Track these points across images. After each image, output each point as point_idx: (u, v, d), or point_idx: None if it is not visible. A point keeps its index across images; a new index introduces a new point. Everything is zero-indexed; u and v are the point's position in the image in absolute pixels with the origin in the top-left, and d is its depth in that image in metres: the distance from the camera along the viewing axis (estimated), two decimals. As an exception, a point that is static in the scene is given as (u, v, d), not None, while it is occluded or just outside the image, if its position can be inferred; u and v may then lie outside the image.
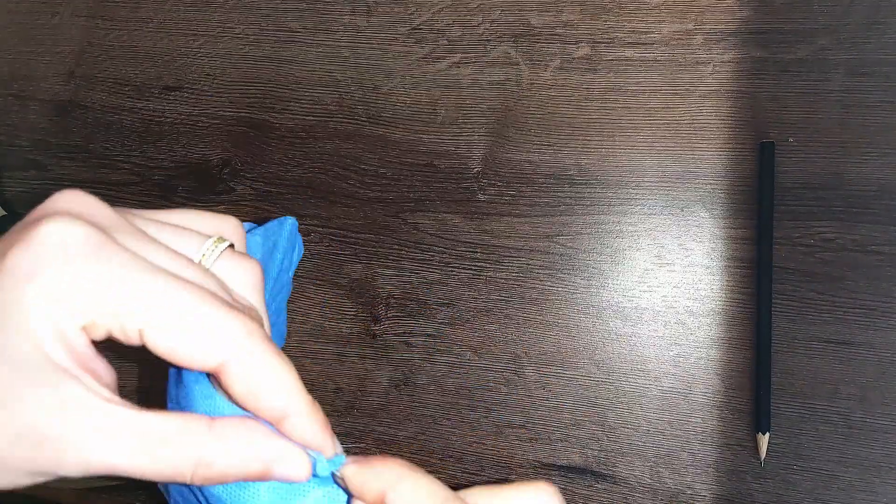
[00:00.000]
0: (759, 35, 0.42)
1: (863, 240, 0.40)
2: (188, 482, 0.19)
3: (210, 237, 0.23)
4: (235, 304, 0.21)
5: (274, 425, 0.21)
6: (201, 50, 0.49)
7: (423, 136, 0.45)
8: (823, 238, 0.40)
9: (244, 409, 0.20)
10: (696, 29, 0.42)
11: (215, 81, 0.48)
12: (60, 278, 0.18)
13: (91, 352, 0.19)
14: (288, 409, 0.20)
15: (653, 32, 0.43)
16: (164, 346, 0.19)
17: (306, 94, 0.47)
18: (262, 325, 0.21)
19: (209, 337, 0.19)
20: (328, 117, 0.46)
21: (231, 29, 0.49)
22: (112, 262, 0.19)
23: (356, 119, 0.46)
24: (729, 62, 0.42)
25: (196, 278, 0.21)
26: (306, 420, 0.21)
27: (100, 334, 0.19)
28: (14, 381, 0.18)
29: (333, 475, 0.21)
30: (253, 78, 0.48)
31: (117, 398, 0.19)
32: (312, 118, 0.47)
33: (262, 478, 0.20)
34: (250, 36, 0.48)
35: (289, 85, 0.47)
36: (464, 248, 0.44)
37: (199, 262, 0.23)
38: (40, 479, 0.19)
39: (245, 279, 0.23)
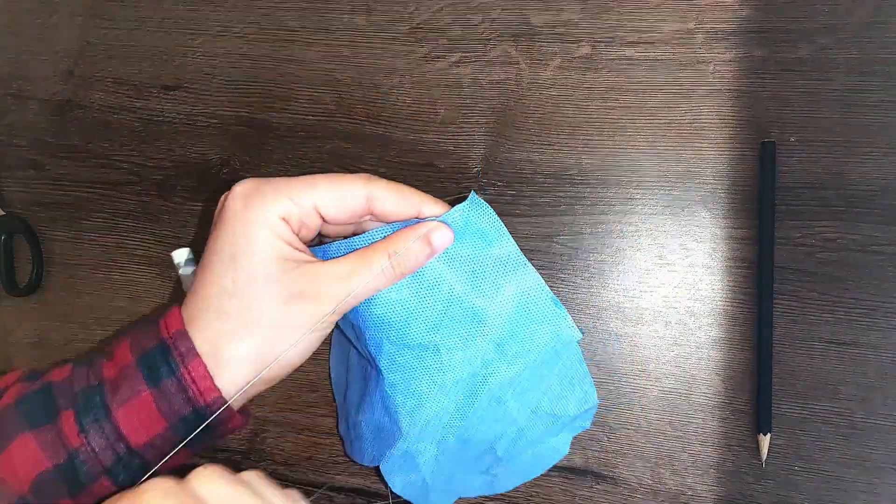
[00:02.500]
0: (761, 34, 0.42)
1: (864, 240, 0.40)
2: (391, 276, 0.32)
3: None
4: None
5: (417, 216, 0.33)
6: (200, 49, 0.49)
7: (423, 135, 0.45)
8: (825, 238, 0.40)
9: (396, 219, 0.34)
10: (697, 28, 0.42)
11: (214, 81, 0.48)
12: (258, 199, 0.31)
13: (295, 238, 0.32)
14: (421, 200, 0.33)
15: (654, 31, 0.43)
16: (334, 207, 0.32)
17: (306, 93, 0.47)
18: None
19: (355, 185, 0.32)
20: (328, 117, 0.46)
21: (230, 28, 0.48)
22: (279, 181, 0.32)
23: (356, 119, 0.46)
24: (730, 61, 0.42)
25: None
26: (433, 201, 0.34)
27: (295, 223, 0.32)
28: (273, 269, 0.31)
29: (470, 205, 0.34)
30: (252, 77, 0.48)
31: (324, 261, 0.32)
32: (312, 118, 0.46)
33: (430, 251, 0.33)
34: (250, 35, 0.48)
35: (288, 84, 0.47)
36: (464, 248, 0.44)
37: None
38: (316, 327, 0.31)
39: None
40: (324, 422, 0.45)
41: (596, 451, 0.42)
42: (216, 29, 0.49)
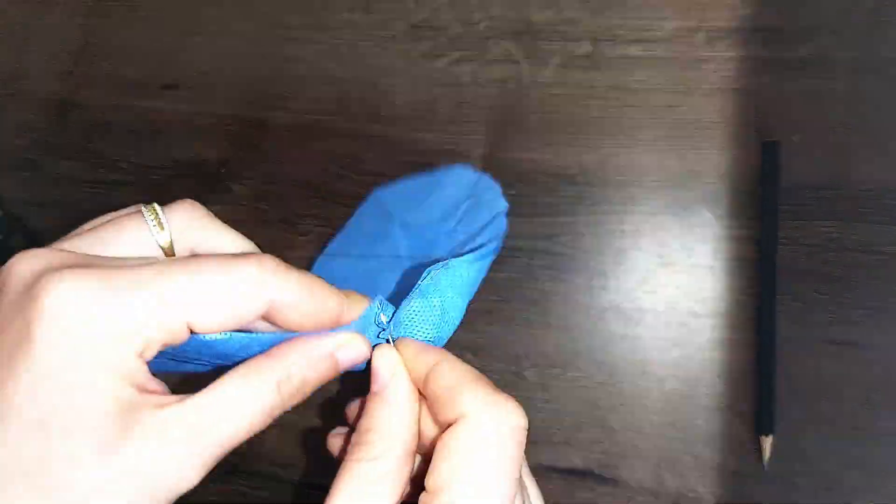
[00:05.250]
0: (763, 33, 0.41)
1: (867, 240, 0.39)
2: (281, 409, 0.21)
3: (140, 209, 0.24)
4: (239, 253, 0.22)
5: (331, 326, 0.22)
6: (199, 48, 0.49)
7: (423, 135, 0.45)
8: (828, 238, 0.40)
9: (302, 330, 0.22)
10: (699, 26, 0.42)
11: (213, 80, 0.48)
12: (103, 325, 0.18)
13: (147, 373, 0.19)
14: (339, 305, 0.22)
15: (655, 30, 0.42)
16: (213, 322, 0.20)
17: (305, 92, 0.47)
18: (269, 255, 0.22)
19: (246, 292, 0.20)
20: (327, 116, 0.46)
21: (229, 27, 0.48)
22: (123, 287, 0.19)
23: (355, 118, 0.46)
24: (732, 60, 0.41)
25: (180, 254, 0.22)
26: (359, 301, 0.23)
27: (153, 351, 0.19)
28: (94, 437, 0.18)
29: (385, 328, 0.24)
30: (251, 76, 0.47)
31: (181, 400, 0.19)
32: (311, 117, 0.46)
33: (335, 371, 0.22)
34: (249, 34, 0.48)
35: (287, 83, 0.47)
36: (464, 249, 0.43)
37: (155, 234, 0.23)
38: None
39: (195, 215, 0.24)
40: (324, 421, 0.44)
41: (597, 452, 0.41)
42: (215, 28, 0.48)
